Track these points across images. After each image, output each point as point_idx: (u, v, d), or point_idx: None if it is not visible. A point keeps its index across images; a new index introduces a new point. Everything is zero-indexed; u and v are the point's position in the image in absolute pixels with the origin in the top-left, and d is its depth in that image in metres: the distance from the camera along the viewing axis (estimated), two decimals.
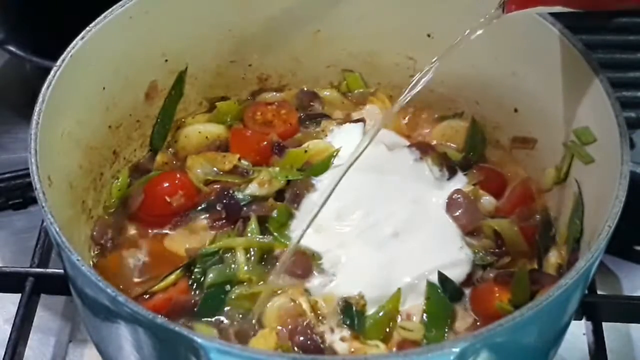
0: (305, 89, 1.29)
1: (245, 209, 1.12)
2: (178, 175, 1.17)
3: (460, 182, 1.18)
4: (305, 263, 1.07)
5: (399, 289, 1.05)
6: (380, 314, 1.04)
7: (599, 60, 1.04)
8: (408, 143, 1.22)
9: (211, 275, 1.05)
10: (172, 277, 1.07)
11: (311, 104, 1.28)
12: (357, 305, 1.04)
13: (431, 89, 1.26)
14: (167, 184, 1.15)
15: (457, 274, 1.08)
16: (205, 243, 1.10)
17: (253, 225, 1.10)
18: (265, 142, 1.20)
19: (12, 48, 1.40)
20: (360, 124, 1.23)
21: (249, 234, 1.09)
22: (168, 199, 1.13)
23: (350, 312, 1.03)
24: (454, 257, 1.09)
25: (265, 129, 1.23)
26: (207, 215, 1.13)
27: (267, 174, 1.14)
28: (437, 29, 1.20)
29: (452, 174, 1.18)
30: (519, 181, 1.20)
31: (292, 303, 1.03)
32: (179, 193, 1.13)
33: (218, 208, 1.13)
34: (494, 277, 1.08)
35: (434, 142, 1.24)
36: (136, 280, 1.09)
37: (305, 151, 1.18)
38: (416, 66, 1.25)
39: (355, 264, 1.08)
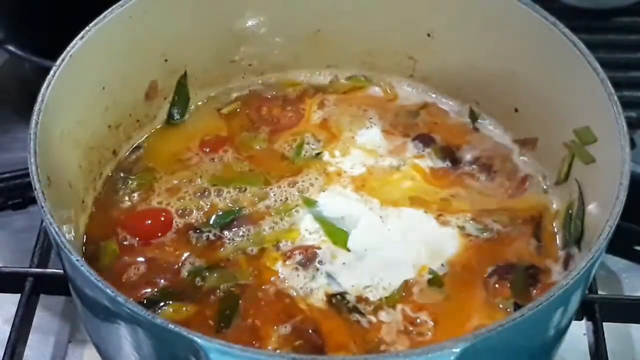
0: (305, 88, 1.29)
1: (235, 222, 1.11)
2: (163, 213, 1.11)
3: None
4: (303, 263, 1.07)
5: (401, 284, 1.05)
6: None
7: (599, 60, 1.04)
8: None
9: (211, 279, 1.05)
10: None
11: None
12: (357, 304, 1.04)
13: None
14: (149, 222, 1.10)
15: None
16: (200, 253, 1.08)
17: (252, 231, 1.10)
18: None
19: (12, 48, 1.40)
20: (375, 128, 1.23)
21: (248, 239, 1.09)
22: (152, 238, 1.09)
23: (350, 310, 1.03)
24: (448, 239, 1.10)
25: (271, 125, 1.23)
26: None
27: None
28: (437, 29, 1.20)
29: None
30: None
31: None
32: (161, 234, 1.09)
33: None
34: (495, 276, 1.08)
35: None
36: (133, 279, 1.08)
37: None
38: (416, 66, 1.25)
39: (355, 262, 1.07)
